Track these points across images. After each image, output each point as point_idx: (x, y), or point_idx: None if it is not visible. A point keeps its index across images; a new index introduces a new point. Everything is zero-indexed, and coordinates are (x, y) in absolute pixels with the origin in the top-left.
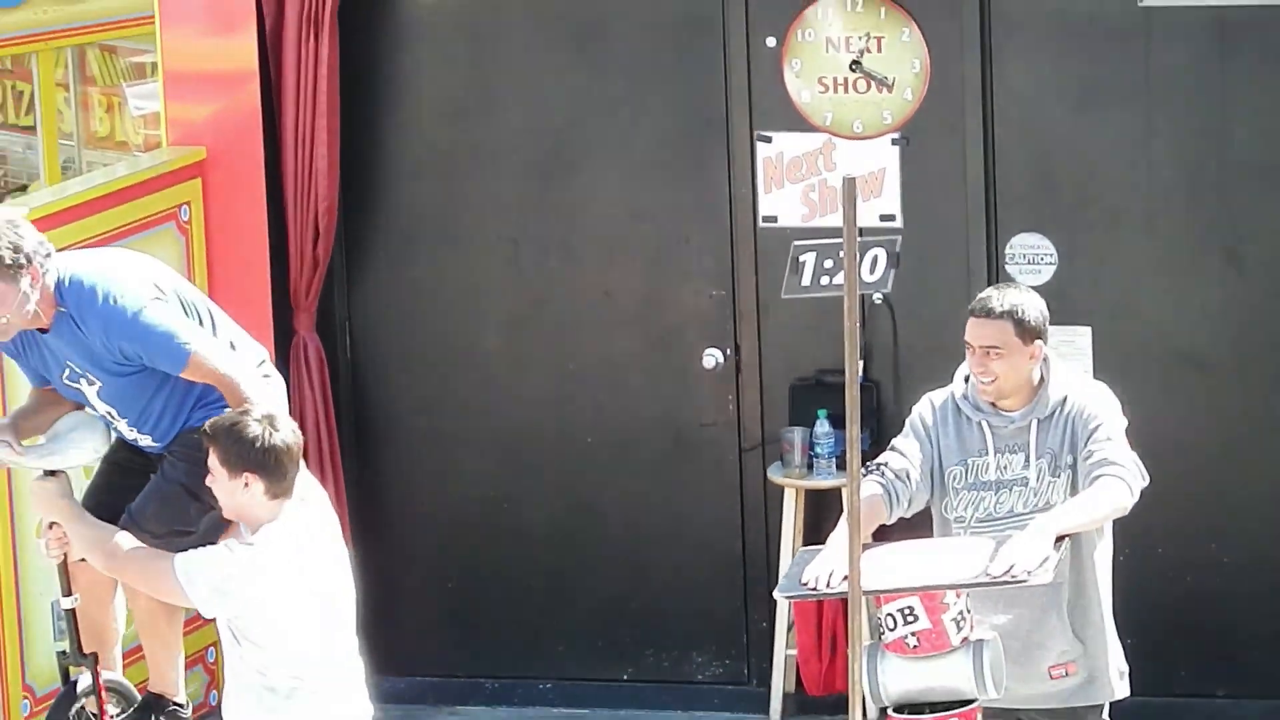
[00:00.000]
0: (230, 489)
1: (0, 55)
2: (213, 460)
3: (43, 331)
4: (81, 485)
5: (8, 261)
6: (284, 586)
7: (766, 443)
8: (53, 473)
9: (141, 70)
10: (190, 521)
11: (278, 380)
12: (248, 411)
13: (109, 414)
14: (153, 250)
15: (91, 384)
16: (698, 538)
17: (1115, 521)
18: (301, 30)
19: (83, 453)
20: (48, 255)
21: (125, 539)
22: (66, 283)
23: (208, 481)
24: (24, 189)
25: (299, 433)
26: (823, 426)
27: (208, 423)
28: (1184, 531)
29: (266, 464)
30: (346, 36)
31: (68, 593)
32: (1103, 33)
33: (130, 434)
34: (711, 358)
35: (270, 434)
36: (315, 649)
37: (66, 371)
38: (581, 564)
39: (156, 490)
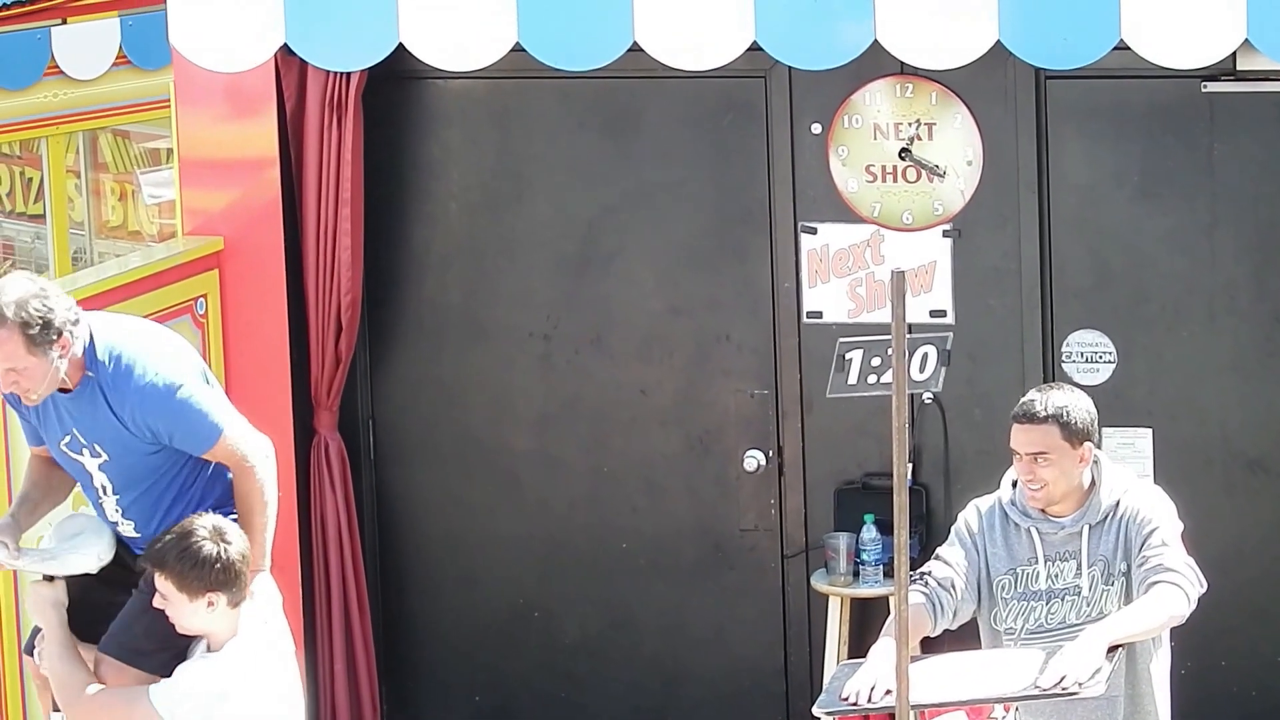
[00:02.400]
0: (192, 610)
1: (8, 140)
2: (166, 586)
3: (63, 391)
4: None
5: (38, 339)
6: (263, 695)
7: (810, 549)
8: (50, 577)
9: (156, 156)
10: (179, 637)
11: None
12: (191, 532)
13: (102, 488)
14: None
15: (96, 456)
16: (737, 649)
17: (1175, 634)
18: (324, 115)
19: (85, 559)
20: (75, 322)
21: (92, 686)
22: (100, 352)
23: (157, 603)
24: None
25: (244, 535)
26: (869, 532)
27: (150, 550)
28: (1249, 643)
29: (228, 581)
30: (371, 121)
31: (53, 710)
32: (1164, 119)
33: (114, 515)
34: (753, 459)
35: (225, 549)
36: None
37: (67, 439)
38: (615, 676)
39: (143, 606)
